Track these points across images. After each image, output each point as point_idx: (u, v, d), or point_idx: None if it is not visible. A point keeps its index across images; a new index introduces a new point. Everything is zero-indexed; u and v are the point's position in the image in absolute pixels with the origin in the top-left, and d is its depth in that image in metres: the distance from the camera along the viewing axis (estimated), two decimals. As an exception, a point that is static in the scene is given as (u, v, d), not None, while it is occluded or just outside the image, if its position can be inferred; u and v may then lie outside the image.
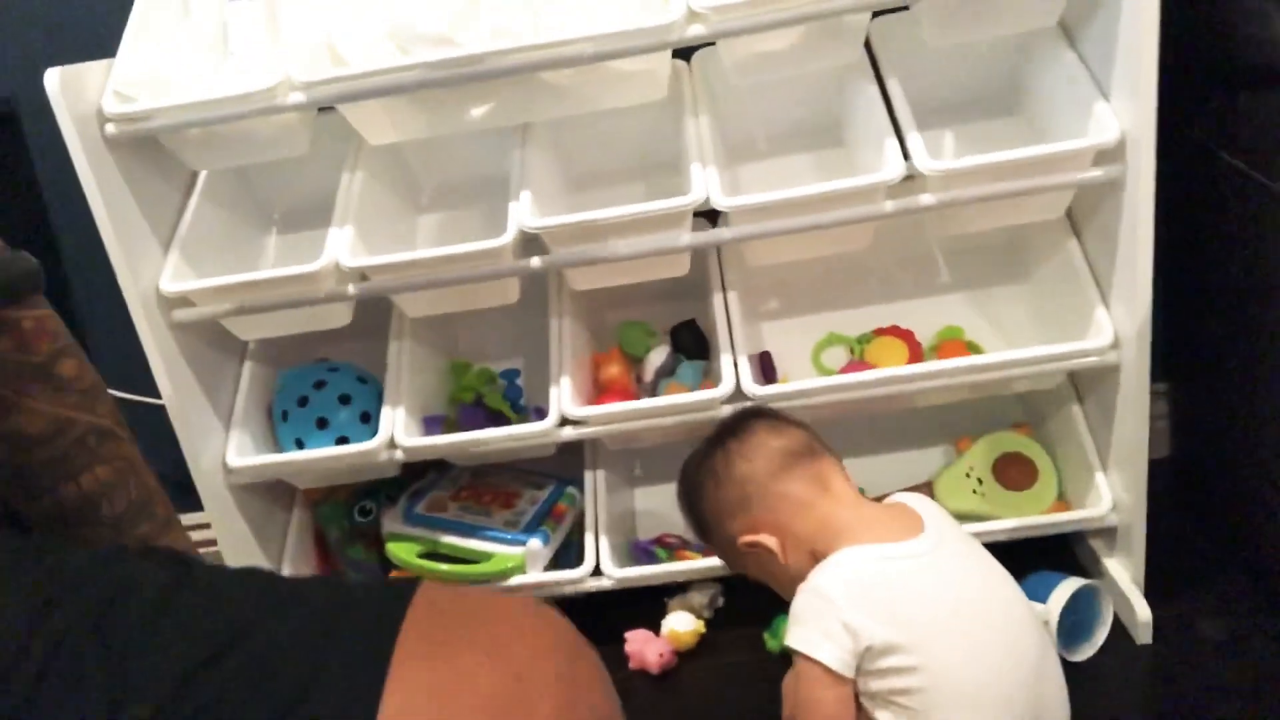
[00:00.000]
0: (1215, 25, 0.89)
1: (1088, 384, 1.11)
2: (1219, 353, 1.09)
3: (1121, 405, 1.04)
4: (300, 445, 1.13)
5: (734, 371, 1.04)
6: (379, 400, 1.14)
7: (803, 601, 0.81)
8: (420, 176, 1.23)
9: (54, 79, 0.93)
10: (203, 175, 1.14)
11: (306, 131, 1.04)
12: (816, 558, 0.83)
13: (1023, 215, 1.04)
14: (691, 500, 0.94)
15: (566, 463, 1.23)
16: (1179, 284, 1.00)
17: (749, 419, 0.92)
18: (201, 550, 1.02)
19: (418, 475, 1.24)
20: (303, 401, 1.16)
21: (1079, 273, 1.06)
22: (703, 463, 0.92)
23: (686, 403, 1.05)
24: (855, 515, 0.86)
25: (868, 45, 1.05)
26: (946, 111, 1.12)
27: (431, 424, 1.15)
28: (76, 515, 0.68)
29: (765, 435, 0.89)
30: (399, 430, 1.08)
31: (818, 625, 0.79)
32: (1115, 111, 0.95)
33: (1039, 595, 1.02)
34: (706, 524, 0.93)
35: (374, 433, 1.10)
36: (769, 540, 0.86)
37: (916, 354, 1.15)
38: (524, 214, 1.00)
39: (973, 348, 1.16)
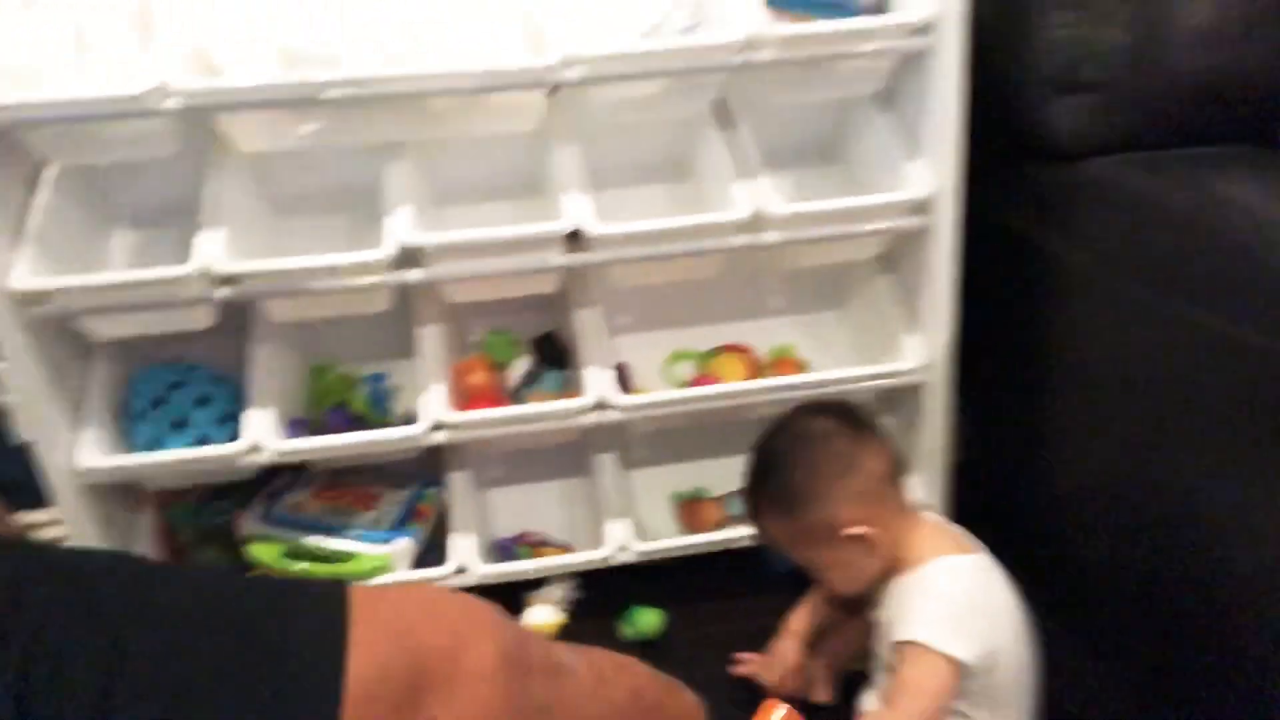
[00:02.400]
0: (1005, 107, 1.07)
1: (896, 400, 1.28)
2: (1006, 378, 1.28)
3: (925, 423, 1.22)
4: (156, 446, 1.13)
5: (598, 383, 1.14)
6: (237, 402, 1.15)
7: (930, 599, 0.91)
8: (284, 181, 1.24)
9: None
10: (53, 169, 1.11)
11: (178, 136, 1.05)
12: (901, 559, 0.94)
13: (847, 254, 1.19)
14: (801, 474, 0.94)
15: (424, 464, 1.29)
16: (976, 319, 1.18)
17: (861, 419, 0.98)
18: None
19: (268, 479, 1.25)
20: (158, 402, 1.15)
21: (891, 305, 1.23)
22: (830, 444, 0.95)
23: (556, 410, 1.13)
24: (935, 530, 0.98)
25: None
26: (780, 157, 1.25)
27: (295, 427, 1.18)
28: None
29: (882, 440, 0.98)
30: (264, 432, 1.10)
31: (952, 623, 0.89)
32: (925, 170, 1.12)
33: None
34: (807, 503, 0.94)
35: (234, 435, 1.12)
36: (874, 534, 0.93)
37: (755, 369, 1.28)
38: (404, 229, 1.05)
39: (802, 365, 1.30)
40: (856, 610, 1.04)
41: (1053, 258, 1.05)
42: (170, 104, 0.97)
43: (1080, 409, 1.08)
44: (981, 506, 1.15)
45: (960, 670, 0.88)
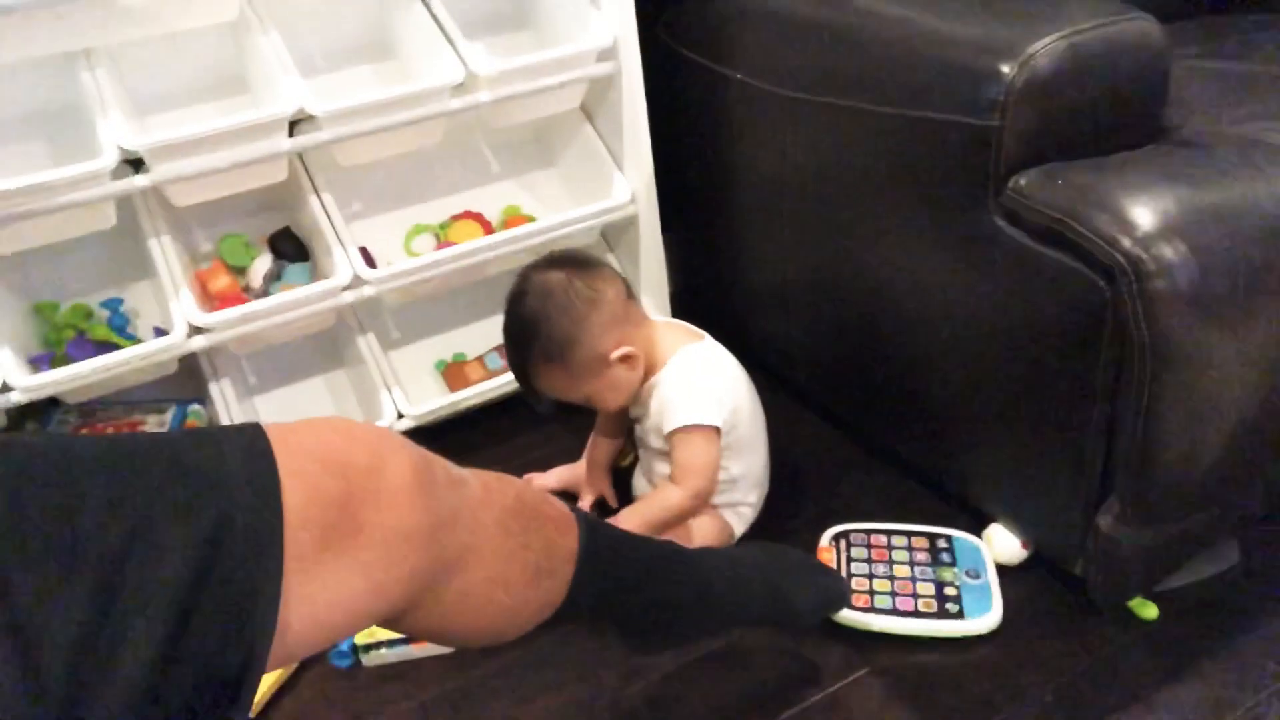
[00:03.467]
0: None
1: (615, 236, 1.45)
2: (704, 205, 1.48)
3: (643, 249, 1.39)
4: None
5: (347, 261, 1.19)
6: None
7: (679, 389, 1.07)
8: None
9: None
10: None
11: None
12: (651, 363, 1.08)
13: (553, 106, 1.32)
14: (560, 324, 1.03)
15: (178, 387, 1.28)
16: (670, 148, 1.35)
17: (585, 259, 1.10)
18: None
19: (13, 426, 1.19)
20: None
21: (597, 150, 1.38)
22: (572, 289, 1.04)
23: (311, 294, 1.17)
24: (668, 327, 1.14)
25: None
26: (472, 26, 1.34)
27: (39, 363, 1.13)
28: None
29: (605, 268, 1.09)
30: (9, 371, 1.06)
31: (701, 401, 1.06)
32: (606, 19, 1.25)
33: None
34: (573, 344, 1.04)
35: (-35, 386, 1.06)
36: (635, 351, 1.07)
37: (489, 230, 1.39)
38: (121, 134, 1.03)
39: (530, 220, 1.42)
40: (621, 419, 1.21)
41: (721, 78, 1.23)
42: None
43: (767, 209, 1.28)
44: (701, 314, 1.34)
45: (719, 434, 1.08)
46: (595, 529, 0.77)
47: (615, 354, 1.06)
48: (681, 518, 1.10)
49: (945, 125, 0.94)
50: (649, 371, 1.11)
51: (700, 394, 1.08)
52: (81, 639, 0.44)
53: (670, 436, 1.08)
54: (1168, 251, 0.82)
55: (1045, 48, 0.87)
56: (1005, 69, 0.87)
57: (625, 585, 0.80)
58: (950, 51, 0.94)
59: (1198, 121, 1.01)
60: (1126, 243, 0.83)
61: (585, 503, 1.23)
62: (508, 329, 1.09)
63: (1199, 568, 1.08)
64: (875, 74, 1.02)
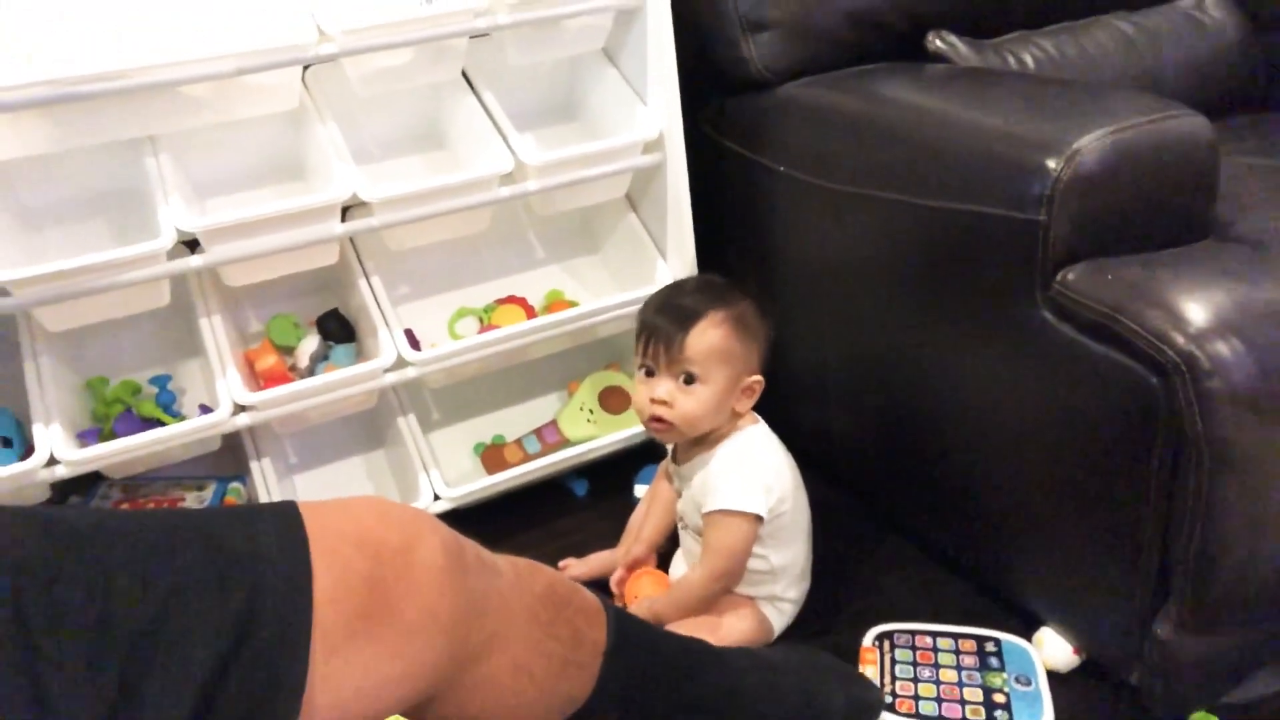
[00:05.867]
0: (708, 49, 1.26)
1: (658, 322, 1.45)
2: (745, 293, 1.48)
3: (684, 334, 1.39)
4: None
5: (392, 342, 1.21)
6: (14, 424, 1.11)
7: (729, 470, 1.06)
8: (24, 193, 1.20)
9: None
10: None
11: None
12: (715, 433, 1.08)
13: (598, 195, 1.34)
14: (753, 333, 1.07)
15: (219, 465, 1.29)
16: (712, 236, 1.37)
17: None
18: None
19: (57, 499, 1.21)
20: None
21: (640, 238, 1.39)
22: (761, 318, 1.08)
23: (357, 374, 1.19)
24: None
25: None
26: (523, 118, 1.38)
27: (86, 438, 1.15)
28: None
29: None
30: (58, 443, 1.08)
31: (748, 486, 1.04)
32: (652, 113, 1.28)
33: (647, 478, 1.33)
34: (755, 337, 1.07)
35: (17, 456, 1.08)
36: (760, 386, 1.08)
37: (532, 315, 1.40)
38: (179, 216, 1.06)
39: (573, 304, 1.44)
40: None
41: (764, 170, 1.24)
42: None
43: (806, 296, 1.28)
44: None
45: (757, 521, 1.05)
46: (625, 622, 0.76)
47: (755, 377, 1.08)
48: (705, 601, 1.07)
49: (991, 219, 0.93)
50: (709, 441, 1.09)
51: (749, 479, 1.06)
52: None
53: (707, 516, 1.06)
54: (1222, 349, 0.80)
55: (1090, 144, 0.87)
56: (1051, 164, 0.87)
57: (653, 682, 0.78)
58: (995, 146, 0.94)
59: (1252, 218, 0.99)
60: (1180, 340, 0.81)
61: (623, 567, 1.20)
62: (715, 284, 1.11)
63: (1266, 681, 1.02)
64: (919, 168, 1.03)
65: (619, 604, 1.18)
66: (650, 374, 1.08)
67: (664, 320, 1.05)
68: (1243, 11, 1.45)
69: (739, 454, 1.08)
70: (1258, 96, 1.44)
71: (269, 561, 0.51)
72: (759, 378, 1.08)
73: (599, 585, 1.21)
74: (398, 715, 0.59)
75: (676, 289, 1.12)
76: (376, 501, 0.60)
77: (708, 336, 1.04)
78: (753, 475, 1.07)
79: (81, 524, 0.50)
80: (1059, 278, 0.90)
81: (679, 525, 1.18)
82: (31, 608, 0.45)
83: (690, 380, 1.05)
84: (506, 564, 0.69)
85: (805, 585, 1.14)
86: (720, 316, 1.05)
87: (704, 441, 1.09)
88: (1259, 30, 1.46)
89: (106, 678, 0.44)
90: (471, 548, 0.64)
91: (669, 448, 1.17)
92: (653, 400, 1.06)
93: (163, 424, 1.20)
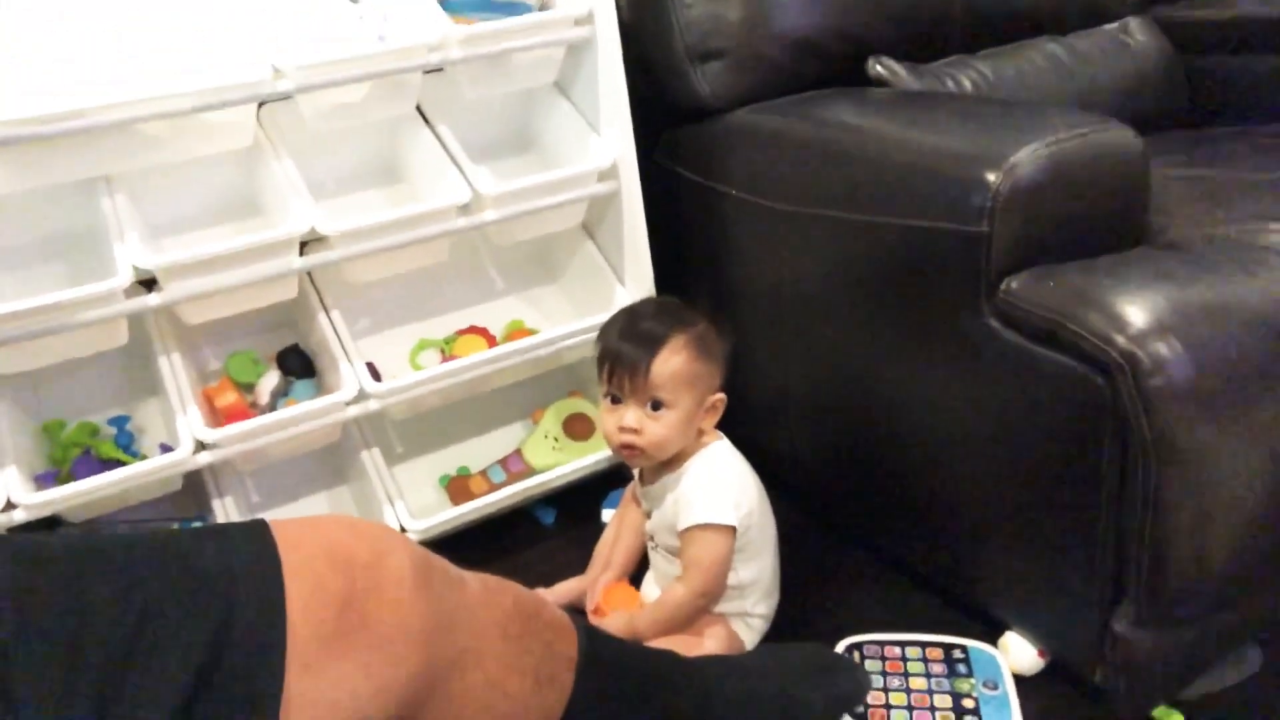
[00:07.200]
0: (659, 79, 1.29)
1: (618, 349, 1.47)
2: (703, 317, 1.50)
3: (644, 359, 1.40)
4: (-121, 534, 1.04)
5: (354, 375, 1.21)
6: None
7: (700, 486, 1.07)
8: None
9: None
10: None
11: None
12: (681, 453, 1.09)
13: (555, 225, 1.36)
14: (715, 338, 1.08)
15: (180, 506, 1.28)
16: (670, 263, 1.39)
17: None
18: None
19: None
20: None
21: (599, 266, 1.41)
22: (719, 336, 1.10)
23: (319, 408, 1.18)
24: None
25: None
26: (479, 151, 1.40)
27: (44, 481, 1.13)
28: None
29: None
30: (14, 489, 1.06)
31: (720, 500, 1.05)
32: (605, 142, 1.31)
33: (614, 502, 1.34)
34: (714, 358, 1.08)
35: (-30, 506, 1.06)
36: (722, 404, 1.10)
37: (493, 345, 1.41)
38: (136, 254, 1.06)
39: (533, 333, 1.45)
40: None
41: (717, 195, 1.27)
42: None
43: (764, 318, 1.31)
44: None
45: (733, 534, 1.06)
46: (595, 636, 0.76)
47: (718, 395, 1.09)
48: (689, 618, 1.08)
49: (936, 233, 0.96)
50: (676, 461, 1.10)
51: (720, 493, 1.08)
52: None
53: (684, 534, 1.07)
54: (1162, 348, 0.84)
55: (1027, 156, 0.90)
56: (991, 177, 0.91)
57: (626, 695, 0.78)
58: (937, 162, 0.98)
59: (1182, 225, 1.04)
60: (1121, 340, 0.84)
61: (597, 590, 1.21)
62: (670, 305, 1.12)
63: (1223, 674, 1.05)
64: (865, 186, 1.06)
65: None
66: (616, 401, 1.09)
67: (628, 348, 1.06)
68: (1166, 36, 1.53)
69: (707, 470, 1.10)
70: (1181, 114, 1.51)
71: (241, 579, 0.51)
72: (721, 395, 1.10)
73: (569, 612, 1.21)
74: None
75: (634, 314, 1.13)
76: (345, 518, 0.61)
77: (671, 363, 1.05)
78: (722, 490, 1.08)
79: (53, 547, 0.50)
80: (1003, 286, 0.93)
81: (649, 546, 1.18)
82: (4, 630, 0.45)
83: (658, 406, 1.06)
84: (474, 580, 0.69)
85: (774, 600, 1.15)
86: (682, 340, 1.07)
87: (671, 461, 1.10)
88: (1181, 53, 1.53)
89: (81, 698, 0.44)
90: (439, 563, 0.65)
91: (635, 472, 1.18)
92: (621, 429, 1.07)
93: (123, 465, 1.19)
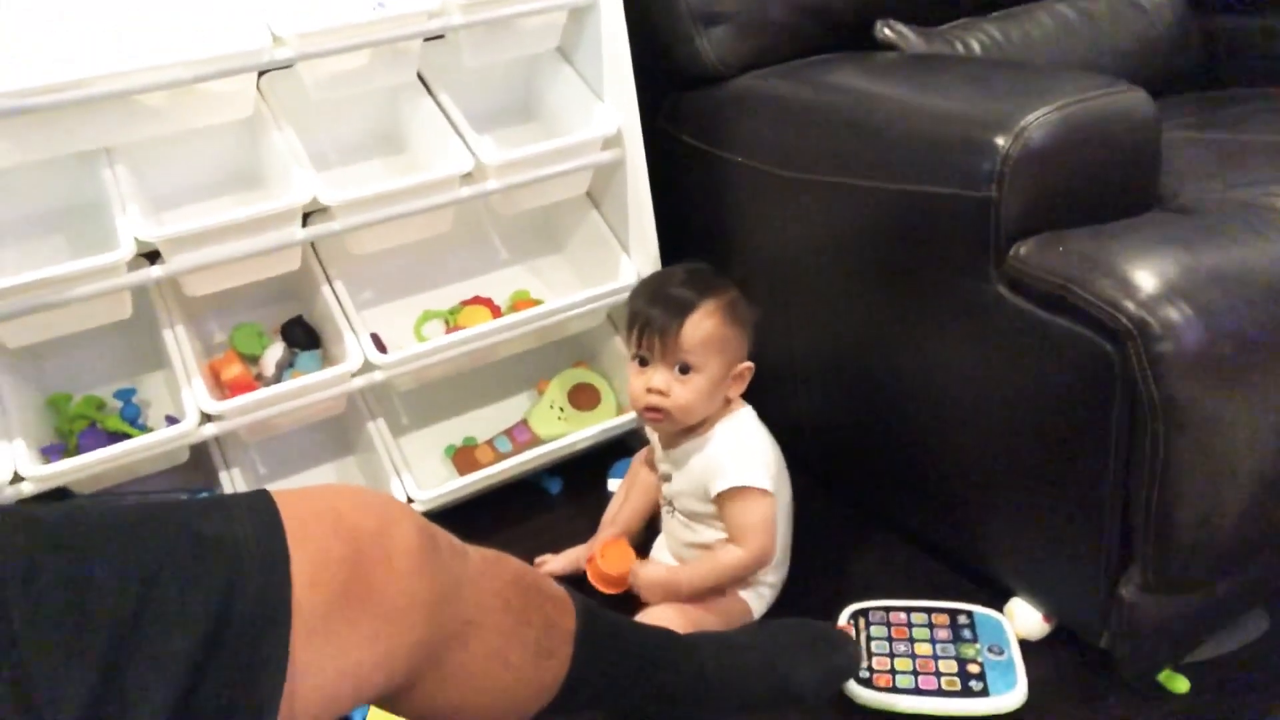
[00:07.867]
0: (663, 45, 1.27)
1: (623, 318, 1.45)
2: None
3: (650, 329, 1.40)
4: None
5: (359, 347, 1.21)
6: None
7: (733, 449, 1.07)
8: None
9: None
10: None
11: None
12: (707, 418, 1.08)
13: (559, 193, 1.35)
14: (743, 321, 1.08)
15: (187, 479, 1.28)
16: (675, 230, 1.38)
17: None
18: None
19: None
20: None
21: (603, 235, 1.40)
22: (749, 305, 1.10)
23: (324, 379, 1.18)
24: None
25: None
26: (481, 120, 1.38)
27: (51, 454, 1.14)
28: None
29: None
30: (21, 462, 1.06)
31: (757, 463, 1.06)
32: (609, 109, 1.29)
33: (620, 472, 1.34)
34: (745, 324, 1.08)
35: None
36: (750, 373, 1.10)
37: (498, 315, 1.40)
38: (138, 226, 1.06)
39: (538, 303, 1.44)
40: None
41: (722, 162, 1.26)
42: None
43: (770, 286, 1.30)
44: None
45: (773, 499, 1.06)
46: (592, 611, 0.77)
47: (746, 364, 1.09)
48: (735, 579, 1.09)
49: (944, 198, 0.95)
50: (702, 426, 1.10)
51: (752, 458, 1.08)
52: (89, 708, 0.44)
53: (722, 497, 1.06)
54: (1172, 313, 0.83)
55: (1037, 120, 0.89)
56: (1000, 141, 0.89)
57: (623, 670, 0.79)
58: (945, 127, 0.96)
59: (1193, 189, 1.03)
60: (1130, 306, 0.83)
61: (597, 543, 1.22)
62: (703, 272, 1.11)
63: (1228, 638, 1.05)
64: (873, 152, 1.05)
65: (591, 579, 1.20)
66: (644, 364, 1.08)
67: (658, 311, 1.06)
68: (1180, -6, 1.50)
69: (736, 436, 1.09)
70: (1195, 75, 1.49)
71: (245, 546, 0.51)
72: (749, 364, 1.10)
73: (574, 580, 1.22)
74: (376, 708, 0.60)
75: (666, 278, 1.12)
76: (348, 488, 0.61)
77: (703, 327, 1.05)
78: (756, 455, 1.08)
79: (56, 518, 0.50)
80: (1012, 252, 0.92)
81: (664, 510, 1.18)
82: (10, 601, 0.45)
83: (686, 370, 1.06)
84: (475, 552, 0.69)
85: (785, 570, 1.16)
86: (713, 306, 1.06)
87: (696, 426, 1.10)
88: (1195, 13, 1.51)
89: (88, 667, 0.44)
90: (443, 534, 0.65)
91: (653, 438, 1.18)
92: (649, 390, 1.07)
93: (129, 437, 1.19)
